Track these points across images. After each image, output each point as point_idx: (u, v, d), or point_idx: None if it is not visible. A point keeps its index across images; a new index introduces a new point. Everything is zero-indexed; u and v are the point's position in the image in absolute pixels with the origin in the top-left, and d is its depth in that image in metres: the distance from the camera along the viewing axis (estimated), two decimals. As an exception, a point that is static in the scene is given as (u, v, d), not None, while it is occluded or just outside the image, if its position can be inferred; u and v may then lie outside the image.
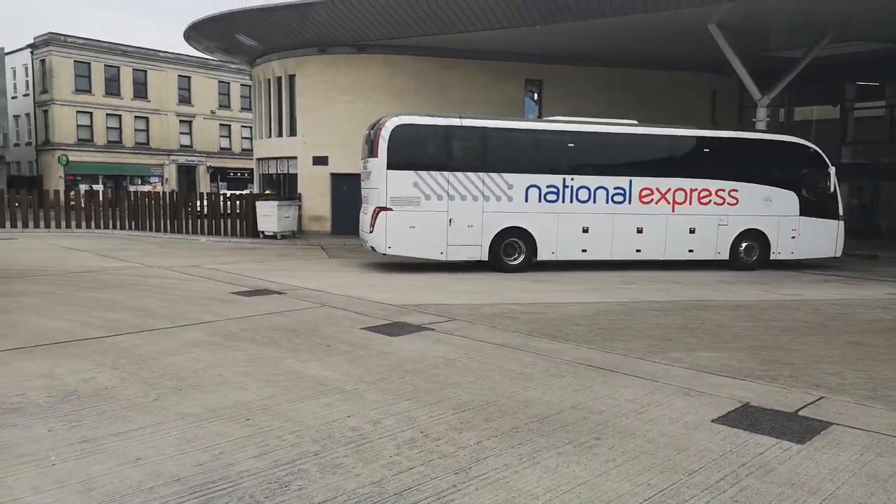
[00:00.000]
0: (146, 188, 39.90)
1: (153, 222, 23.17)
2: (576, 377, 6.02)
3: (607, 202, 14.46)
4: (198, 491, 3.64)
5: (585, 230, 14.36)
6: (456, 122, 14.00)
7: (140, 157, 47.21)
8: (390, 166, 13.38)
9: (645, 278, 13.52)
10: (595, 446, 4.39)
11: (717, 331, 8.35)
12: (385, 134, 13.40)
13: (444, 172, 13.63)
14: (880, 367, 6.64)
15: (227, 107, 51.69)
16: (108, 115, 45.70)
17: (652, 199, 14.69)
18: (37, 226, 22.71)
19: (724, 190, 15.07)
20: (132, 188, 38.70)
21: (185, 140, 49.49)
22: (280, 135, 25.06)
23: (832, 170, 15.62)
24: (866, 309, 10.27)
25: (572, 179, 14.25)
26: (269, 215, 20.88)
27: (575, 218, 14.30)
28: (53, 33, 43.66)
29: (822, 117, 28.61)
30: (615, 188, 14.46)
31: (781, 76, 20.00)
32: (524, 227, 14.10)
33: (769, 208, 15.35)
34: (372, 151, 13.74)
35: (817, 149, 15.88)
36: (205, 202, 23.52)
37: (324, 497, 3.61)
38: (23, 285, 10.92)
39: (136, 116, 47.07)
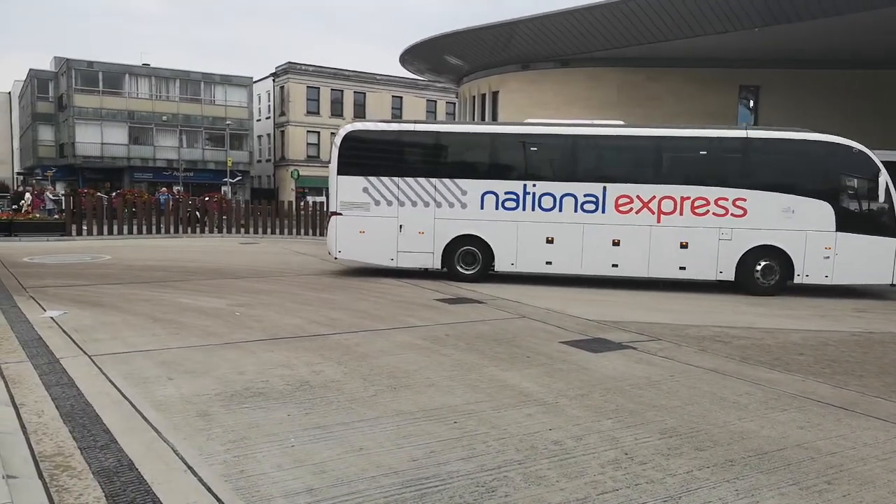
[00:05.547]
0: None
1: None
2: (800, 412, 5.48)
3: (576, 211, 13.00)
4: (412, 485, 3.93)
5: (550, 241, 13.06)
6: (408, 127, 14.29)
7: (356, 171, 51.76)
8: (340, 172, 13.67)
9: (883, 307, 11.84)
10: (826, 491, 3.96)
11: (984, 373, 7.06)
12: (337, 141, 13.88)
13: (393, 178, 13.45)
14: None
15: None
16: (332, 134, 50.70)
17: (631, 209, 12.87)
18: (273, 232, 25.92)
19: (726, 199, 12.62)
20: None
21: (397, 155, 53.26)
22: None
23: (884, 174, 12.16)
24: None
25: (534, 186, 13.08)
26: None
27: (537, 227, 13.09)
28: (291, 62, 49.59)
29: None
30: (585, 195, 12.95)
31: None
32: (479, 235, 13.30)
33: (791, 221, 12.48)
34: (331, 159, 14.09)
35: (863, 148, 12.32)
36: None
37: (529, 506, 3.69)
38: (264, 284, 12.54)
39: (354, 135, 51.73)
